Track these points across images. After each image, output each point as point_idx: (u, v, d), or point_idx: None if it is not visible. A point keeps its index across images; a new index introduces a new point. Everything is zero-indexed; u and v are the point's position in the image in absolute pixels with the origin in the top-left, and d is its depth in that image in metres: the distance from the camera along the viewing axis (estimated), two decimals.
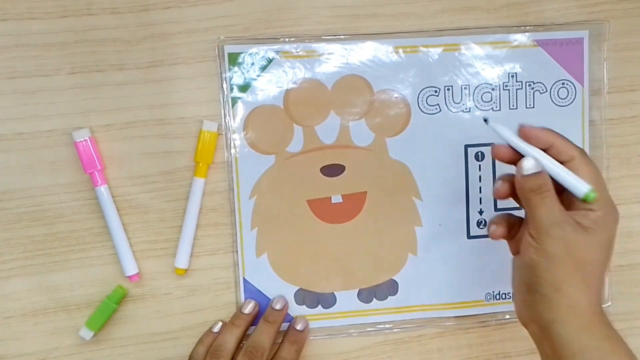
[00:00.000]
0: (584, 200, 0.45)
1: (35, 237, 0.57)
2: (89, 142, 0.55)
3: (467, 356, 0.61)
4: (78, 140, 0.55)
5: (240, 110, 0.57)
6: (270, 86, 0.57)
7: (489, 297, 0.61)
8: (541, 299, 0.46)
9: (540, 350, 0.48)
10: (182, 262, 0.57)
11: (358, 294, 0.60)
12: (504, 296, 0.61)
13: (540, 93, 0.59)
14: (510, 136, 0.48)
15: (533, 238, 0.46)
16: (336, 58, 0.57)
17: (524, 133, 0.47)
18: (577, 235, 0.45)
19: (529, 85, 0.59)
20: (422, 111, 0.59)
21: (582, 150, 0.47)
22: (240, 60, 0.57)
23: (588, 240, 0.45)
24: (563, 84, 0.59)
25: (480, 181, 0.60)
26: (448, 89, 0.59)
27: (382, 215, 0.59)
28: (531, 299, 0.47)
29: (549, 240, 0.45)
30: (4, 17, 0.55)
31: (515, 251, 0.51)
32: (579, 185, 0.45)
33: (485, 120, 0.49)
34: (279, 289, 0.59)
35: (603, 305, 0.61)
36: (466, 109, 0.59)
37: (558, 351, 0.45)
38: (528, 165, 0.46)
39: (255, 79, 0.57)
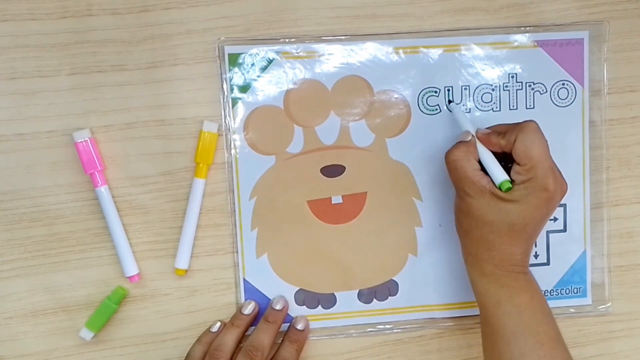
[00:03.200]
0: (500, 188, 0.51)
1: (36, 237, 0.57)
2: (89, 143, 0.55)
3: (467, 357, 0.61)
4: (78, 141, 0.55)
5: (241, 110, 0.57)
6: (270, 87, 0.57)
7: None
8: (460, 239, 0.55)
9: None
10: (182, 262, 0.57)
11: (358, 295, 0.60)
12: None
13: (541, 94, 0.59)
14: (460, 117, 0.56)
15: (456, 191, 0.54)
16: (336, 59, 0.57)
17: (479, 138, 0.53)
18: (481, 199, 0.51)
19: (529, 85, 0.59)
20: (422, 112, 0.59)
21: (520, 129, 0.51)
22: (240, 60, 0.57)
23: (489, 205, 0.51)
24: (563, 84, 0.59)
25: None
26: (448, 90, 0.59)
27: (382, 216, 0.59)
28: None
29: (457, 196, 0.53)
30: (4, 18, 0.55)
31: None
32: (495, 176, 0.51)
33: (450, 102, 0.58)
34: (279, 289, 0.59)
35: (603, 306, 0.62)
36: (466, 109, 0.59)
37: (472, 288, 0.54)
38: (459, 137, 0.54)
39: (255, 80, 0.57)
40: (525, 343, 0.50)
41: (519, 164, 0.51)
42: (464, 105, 0.59)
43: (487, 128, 0.54)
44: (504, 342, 0.51)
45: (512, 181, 0.51)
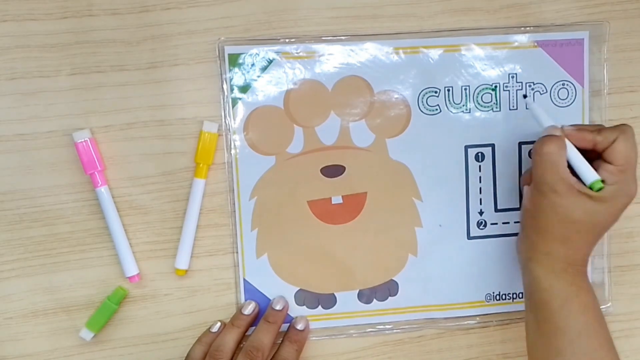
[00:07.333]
0: (591, 188, 0.50)
1: (36, 238, 0.57)
2: (90, 143, 0.55)
3: (467, 357, 0.61)
4: (78, 141, 0.55)
5: (241, 111, 0.57)
6: (270, 87, 0.57)
7: (489, 298, 0.61)
8: (525, 238, 0.54)
9: (522, 277, 0.55)
10: (182, 262, 0.57)
11: (358, 295, 0.60)
12: (504, 297, 0.61)
13: (541, 94, 0.59)
14: (540, 113, 0.55)
15: (531, 188, 0.52)
16: (336, 59, 0.57)
17: (569, 135, 0.52)
18: (569, 197, 0.50)
19: (529, 86, 0.59)
20: (423, 112, 0.59)
21: (622, 131, 0.51)
22: (240, 61, 0.57)
23: (576, 204, 0.50)
24: (563, 84, 0.59)
25: (480, 182, 0.60)
26: (448, 90, 0.59)
27: (382, 216, 0.59)
28: (523, 235, 0.55)
29: (537, 193, 0.51)
30: (5, 18, 0.55)
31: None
32: (586, 175, 0.51)
33: (525, 96, 0.58)
34: (279, 289, 0.59)
35: (603, 306, 0.62)
36: (466, 109, 0.59)
37: (532, 284, 0.53)
38: (546, 132, 0.52)
39: (255, 80, 0.57)
40: (588, 343, 0.50)
41: (612, 164, 0.50)
42: (464, 105, 0.59)
43: (571, 125, 0.53)
44: (566, 340, 0.50)
45: (602, 181, 0.50)
